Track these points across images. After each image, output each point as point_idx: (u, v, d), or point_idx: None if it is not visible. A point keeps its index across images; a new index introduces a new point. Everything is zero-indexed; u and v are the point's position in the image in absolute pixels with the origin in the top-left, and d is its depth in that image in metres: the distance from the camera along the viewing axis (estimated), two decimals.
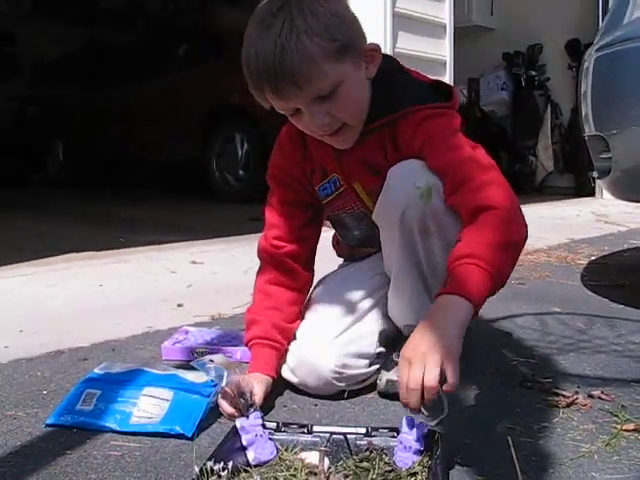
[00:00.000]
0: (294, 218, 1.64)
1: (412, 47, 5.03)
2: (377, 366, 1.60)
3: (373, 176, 1.52)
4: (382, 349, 1.61)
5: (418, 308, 1.49)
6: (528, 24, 7.91)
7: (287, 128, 1.59)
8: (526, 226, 1.36)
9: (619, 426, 1.37)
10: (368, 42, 1.42)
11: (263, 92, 1.34)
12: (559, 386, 1.61)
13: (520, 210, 1.37)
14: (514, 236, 1.33)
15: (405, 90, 1.49)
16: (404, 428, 1.18)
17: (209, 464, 1.08)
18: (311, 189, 1.63)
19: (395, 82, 1.49)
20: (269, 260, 1.64)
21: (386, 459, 1.18)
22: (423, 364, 1.12)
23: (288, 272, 1.63)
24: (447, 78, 5.41)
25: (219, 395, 1.41)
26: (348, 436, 1.23)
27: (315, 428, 1.26)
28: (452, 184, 1.38)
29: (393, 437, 1.21)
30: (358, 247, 1.75)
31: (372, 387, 1.59)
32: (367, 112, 1.45)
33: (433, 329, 1.17)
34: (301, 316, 1.65)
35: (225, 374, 1.43)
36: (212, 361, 1.48)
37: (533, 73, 7.87)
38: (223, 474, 1.07)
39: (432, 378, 1.11)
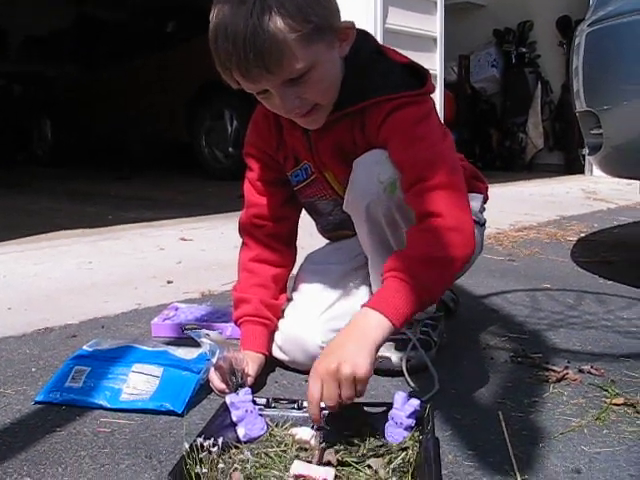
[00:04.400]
0: (273, 196, 1.61)
1: (403, 23, 5.01)
2: None
3: (344, 166, 1.47)
4: None
5: None
6: (519, 1, 7.88)
7: (261, 107, 1.51)
8: (472, 238, 1.31)
9: (609, 400, 1.38)
10: (350, 19, 1.35)
11: (231, 72, 1.27)
12: (549, 361, 1.61)
13: (469, 219, 1.32)
14: (452, 249, 1.27)
15: (378, 75, 1.41)
16: (396, 404, 1.18)
17: (199, 440, 1.07)
18: (284, 175, 1.60)
19: (369, 65, 1.42)
20: (251, 237, 1.63)
21: (377, 434, 1.18)
22: (337, 382, 1.13)
23: (271, 249, 1.62)
24: (437, 54, 5.40)
25: (210, 370, 1.41)
26: None
27: (305, 404, 1.25)
28: (407, 182, 1.35)
29: (385, 411, 1.21)
30: (334, 231, 1.73)
31: None
32: (339, 93, 1.39)
33: (346, 346, 1.18)
34: (288, 293, 1.64)
35: (217, 351, 1.42)
36: (208, 335, 1.47)
37: (524, 50, 7.86)
38: (213, 450, 1.07)
39: (350, 396, 1.14)
